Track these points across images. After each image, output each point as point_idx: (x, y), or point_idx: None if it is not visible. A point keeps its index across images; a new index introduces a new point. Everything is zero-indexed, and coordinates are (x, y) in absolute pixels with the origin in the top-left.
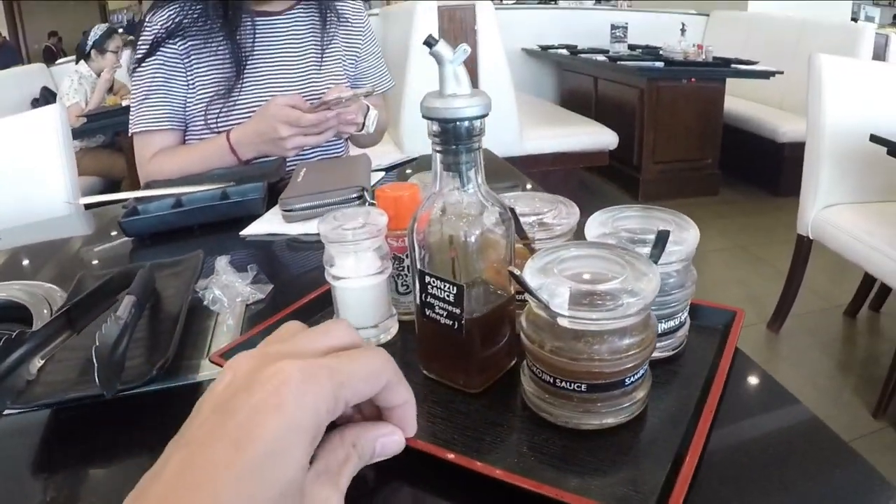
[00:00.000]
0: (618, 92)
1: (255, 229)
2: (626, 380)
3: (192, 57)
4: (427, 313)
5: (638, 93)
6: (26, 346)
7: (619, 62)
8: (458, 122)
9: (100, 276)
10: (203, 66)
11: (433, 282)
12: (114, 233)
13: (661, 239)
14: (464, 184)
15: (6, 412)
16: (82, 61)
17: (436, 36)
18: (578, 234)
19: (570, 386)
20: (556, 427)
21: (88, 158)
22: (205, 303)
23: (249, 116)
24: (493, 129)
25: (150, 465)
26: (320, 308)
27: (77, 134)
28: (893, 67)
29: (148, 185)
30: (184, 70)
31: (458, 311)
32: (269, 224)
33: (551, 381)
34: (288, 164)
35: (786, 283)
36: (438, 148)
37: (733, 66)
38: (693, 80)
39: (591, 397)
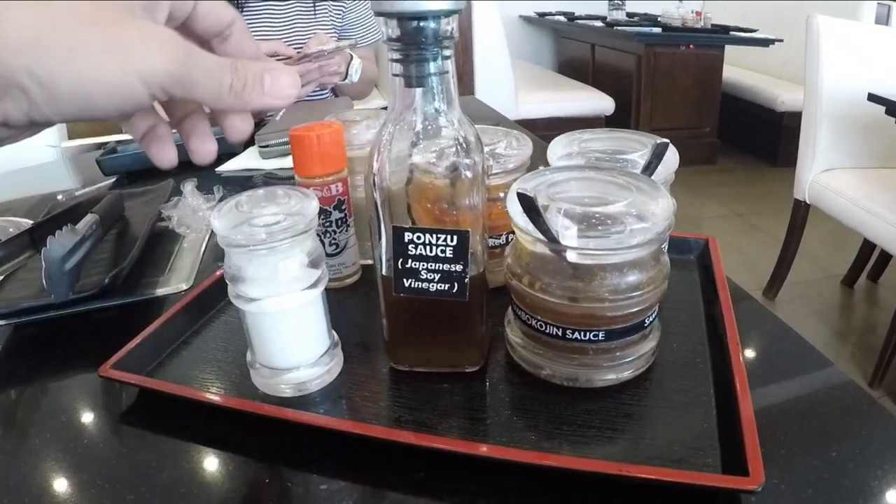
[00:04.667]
0: (615, 59)
1: (231, 166)
2: (646, 320)
3: None
4: (408, 284)
5: (635, 59)
6: None
7: (616, 28)
8: (422, 20)
9: (69, 204)
10: None
11: (419, 238)
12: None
13: (659, 153)
14: (436, 105)
15: None
16: None
17: None
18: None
19: (586, 336)
20: (559, 387)
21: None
22: (170, 226)
23: None
24: (488, 93)
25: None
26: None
27: None
28: (892, 31)
29: None
30: None
31: (459, 267)
32: (244, 161)
33: (559, 333)
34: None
35: (782, 248)
36: (397, 56)
37: (732, 33)
38: (691, 46)
39: (608, 346)
